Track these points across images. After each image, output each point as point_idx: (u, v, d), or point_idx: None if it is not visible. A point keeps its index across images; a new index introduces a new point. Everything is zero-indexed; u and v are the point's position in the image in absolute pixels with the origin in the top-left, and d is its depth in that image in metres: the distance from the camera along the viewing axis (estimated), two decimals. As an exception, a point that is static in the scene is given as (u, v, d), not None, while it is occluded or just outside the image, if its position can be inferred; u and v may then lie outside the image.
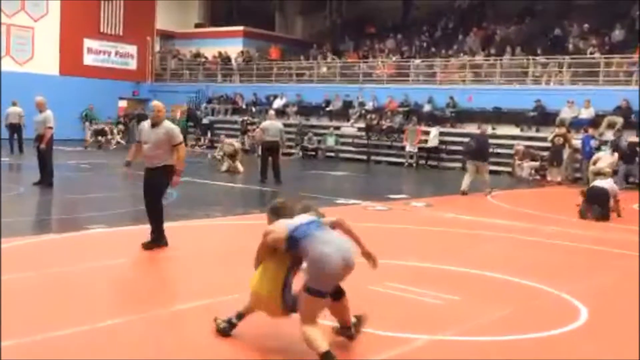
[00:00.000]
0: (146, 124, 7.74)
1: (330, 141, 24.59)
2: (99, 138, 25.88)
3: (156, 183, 7.77)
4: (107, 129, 26.48)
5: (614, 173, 15.85)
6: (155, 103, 7.73)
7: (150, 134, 7.52)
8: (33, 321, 4.85)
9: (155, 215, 7.76)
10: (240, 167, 17.58)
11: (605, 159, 16.74)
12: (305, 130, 24.98)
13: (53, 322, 4.79)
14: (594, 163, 16.65)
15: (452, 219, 11.05)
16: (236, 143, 18.78)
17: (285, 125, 18.97)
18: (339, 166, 21.76)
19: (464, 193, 14.48)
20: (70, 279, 6.35)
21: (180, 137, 7.66)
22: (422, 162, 22.75)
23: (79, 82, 27.69)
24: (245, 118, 26.70)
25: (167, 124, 7.60)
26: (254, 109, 27.19)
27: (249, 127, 25.65)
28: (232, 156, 17.81)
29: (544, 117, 21.21)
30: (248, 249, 7.75)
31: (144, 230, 7.93)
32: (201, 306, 5.38)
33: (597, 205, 11.38)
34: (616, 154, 17.27)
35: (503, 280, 6.78)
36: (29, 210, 10.59)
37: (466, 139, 22.11)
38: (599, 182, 12.09)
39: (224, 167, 17.63)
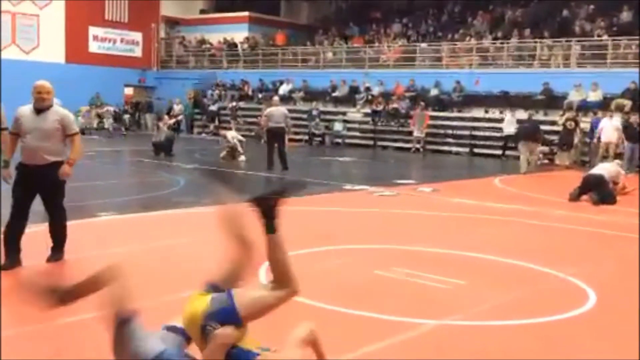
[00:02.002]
0: (27, 109, 6.09)
1: (338, 127, 24.54)
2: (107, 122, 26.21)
3: (49, 186, 6.08)
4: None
5: (618, 156, 15.88)
6: (39, 83, 6.07)
7: (35, 122, 5.99)
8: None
9: (61, 227, 6.33)
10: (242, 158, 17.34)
11: (609, 127, 16.92)
12: (316, 116, 24.78)
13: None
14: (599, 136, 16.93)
15: (459, 203, 11.04)
16: (231, 135, 18.03)
17: (291, 111, 18.93)
18: (346, 152, 21.74)
19: (525, 173, 16.04)
20: (77, 267, 6.39)
21: (76, 126, 6.25)
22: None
23: (84, 70, 27.68)
24: (234, 104, 26.77)
25: (57, 109, 6.11)
26: (260, 95, 27.15)
27: (238, 113, 26.32)
28: (234, 150, 17.65)
29: (552, 101, 21.09)
30: (252, 236, 7.70)
31: (153, 217, 7.95)
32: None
33: (595, 192, 11.37)
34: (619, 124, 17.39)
35: (510, 264, 6.78)
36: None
37: (473, 124, 22.30)
38: (596, 169, 12.10)
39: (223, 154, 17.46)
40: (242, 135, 18.55)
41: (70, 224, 8.16)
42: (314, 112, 24.67)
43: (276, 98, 17.10)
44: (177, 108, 27.55)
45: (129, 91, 31.00)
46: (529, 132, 16.99)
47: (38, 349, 4.14)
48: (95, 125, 26.53)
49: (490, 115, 22.36)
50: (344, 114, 25.04)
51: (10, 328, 4.37)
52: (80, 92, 26.32)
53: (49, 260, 6.26)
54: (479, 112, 22.75)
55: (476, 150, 21.89)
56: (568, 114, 18.67)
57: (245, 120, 26.21)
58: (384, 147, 23.52)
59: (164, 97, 29.46)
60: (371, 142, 23.99)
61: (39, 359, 4.01)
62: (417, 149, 22.52)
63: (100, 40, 29.75)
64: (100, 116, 26.85)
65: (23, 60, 26.12)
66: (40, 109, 6.02)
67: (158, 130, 18.61)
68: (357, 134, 24.54)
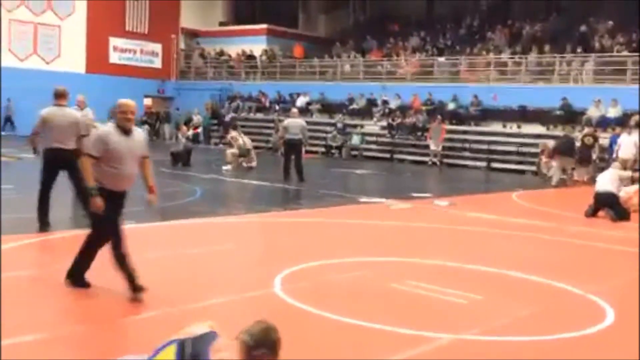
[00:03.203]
0: (110, 130, 5.57)
1: (355, 139, 24.55)
2: None
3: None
4: None
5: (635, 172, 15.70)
6: (125, 101, 5.71)
7: (127, 145, 5.50)
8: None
9: None
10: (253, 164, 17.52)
11: (628, 143, 16.72)
12: (341, 128, 24.76)
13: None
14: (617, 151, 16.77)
15: (476, 218, 10.98)
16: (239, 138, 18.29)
17: (309, 123, 18.98)
18: (363, 164, 21.73)
19: (556, 186, 16.66)
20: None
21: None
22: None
23: (104, 80, 27.97)
24: (235, 114, 26.90)
25: (135, 129, 5.77)
26: (277, 107, 27.26)
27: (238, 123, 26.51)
28: (242, 155, 17.79)
29: (571, 116, 20.96)
30: (267, 247, 7.76)
31: (170, 227, 7.99)
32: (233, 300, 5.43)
33: (609, 208, 11.29)
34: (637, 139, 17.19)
35: (527, 279, 6.73)
36: (57, 206, 10.73)
37: (490, 137, 22.22)
38: (602, 185, 11.81)
39: (230, 167, 17.50)
40: (257, 147, 18.72)
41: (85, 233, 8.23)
42: (339, 125, 24.69)
43: (294, 110, 17.16)
44: (196, 119, 27.71)
45: (148, 102, 31.26)
46: (565, 148, 17.35)
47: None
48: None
49: (508, 129, 22.28)
50: (361, 126, 25.05)
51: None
52: (100, 102, 26.44)
53: None
54: (497, 127, 22.68)
55: (494, 164, 21.80)
56: (587, 130, 18.55)
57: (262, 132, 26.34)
58: (401, 160, 23.48)
59: (182, 108, 29.69)
60: (388, 155, 23.97)
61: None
62: (434, 163, 22.46)
63: (120, 51, 30.08)
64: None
65: (44, 70, 26.47)
66: (127, 130, 5.54)
67: (177, 141, 18.74)
68: (374, 146, 24.53)
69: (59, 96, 8.19)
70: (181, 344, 3.23)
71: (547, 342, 4.84)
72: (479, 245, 8.77)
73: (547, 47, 24.04)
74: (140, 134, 5.77)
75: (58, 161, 8.05)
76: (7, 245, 7.04)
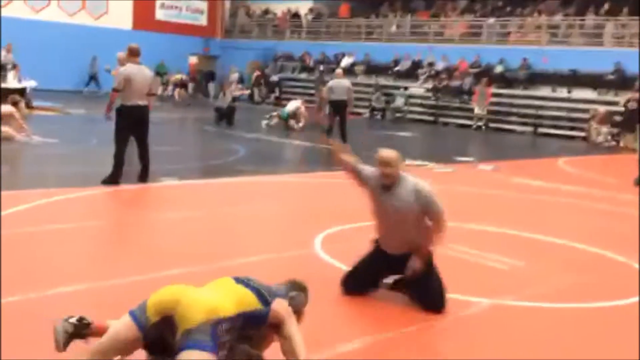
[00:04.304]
0: (375, 179, 4.68)
1: (399, 101, 24.29)
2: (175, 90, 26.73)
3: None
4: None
5: None
6: (385, 154, 4.60)
7: (389, 199, 4.61)
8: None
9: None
10: (296, 127, 17.57)
11: None
12: (379, 89, 24.62)
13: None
14: None
15: (520, 183, 10.82)
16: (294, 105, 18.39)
17: (353, 84, 18.81)
18: (406, 127, 21.53)
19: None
20: (128, 230, 6.59)
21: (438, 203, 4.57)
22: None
23: (150, 37, 28.12)
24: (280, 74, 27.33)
25: (412, 180, 4.60)
26: (321, 67, 27.09)
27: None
28: (294, 117, 17.81)
29: (624, 81, 20.32)
30: (308, 207, 7.80)
31: (213, 185, 8.08)
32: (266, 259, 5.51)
33: None
34: None
35: (570, 247, 6.63)
36: (102, 162, 10.96)
37: (538, 102, 21.72)
38: None
39: (272, 122, 17.78)
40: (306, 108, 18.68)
41: (134, 188, 8.41)
42: (378, 85, 24.50)
43: (339, 71, 16.99)
44: (234, 77, 27.62)
45: (193, 60, 31.38)
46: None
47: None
48: (160, 92, 26.99)
49: (557, 94, 21.74)
50: (405, 88, 24.75)
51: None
52: (146, 60, 26.58)
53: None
54: (546, 91, 22.14)
55: (541, 129, 21.35)
56: (631, 94, 17.95)
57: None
58: (445, 124, 23.19)
59: (226, 67, 29.74)
60: (432, 118, 23.68)
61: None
62: (479, 127, 22.12)
63: (167, 7, 30.14)
64: (165, 84, 27.32)
65: (92, 26, 26.76)
66: (389, 186, 4.61)
67: (224, 96, 18.79)
68: (418, 109, 24.25)
69: (134, 54, 8.36)
70: (236, 278, 3.27)
71: (587, 310, 4.79)
72: (522, 211, 8.65)
73: (602, 10, 23.20)
74: (411, 185, 4.61)
75: (135, 117, 8.27)
76: (55, 197, 7.24)
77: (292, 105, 18.21)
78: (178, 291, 3.06)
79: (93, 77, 26.05)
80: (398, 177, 4.58)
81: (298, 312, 3.39)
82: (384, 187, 4.60)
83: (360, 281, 4.74)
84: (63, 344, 3.11)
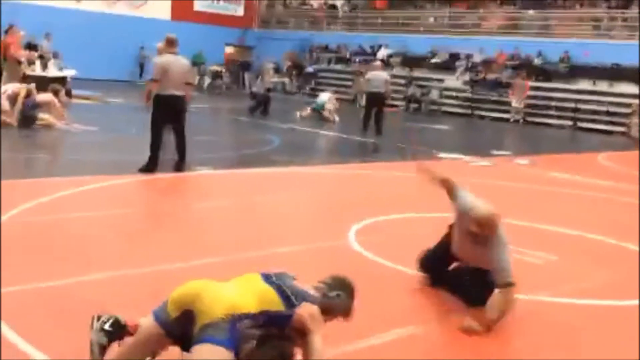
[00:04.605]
0: None
1: (434, 94, 24.09)
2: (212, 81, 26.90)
3: None
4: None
5: None
6: (481, 216, 4.21)
7: (473, 248, 4.36)
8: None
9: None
10: (331, 118, 17.51)
11: None
12: (410, 81, 24.50)
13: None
14: None
15: (557, 178, 10.65)
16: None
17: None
18: (442, 120, 21.35)
19: None
20: (162, 218, 6.66)
21: None
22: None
23: (188, 28, 28.32)
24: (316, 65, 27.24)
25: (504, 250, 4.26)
26: (357, 59, 26.99)
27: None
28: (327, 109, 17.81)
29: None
30: (343, 198, 7.77)
31: (248, 174, 8.12)
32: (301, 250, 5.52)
33: None
34: None
35: (607, 243, 6.51)
36: (140, 150, 11.12)
37: (578, 96, 21.32)
38: None
39: (304, 113, 17.79)
40: (337, 99, 18.62)
41: (170, 176, 8.51)
42: (409, 77, 24.35)
43: (378, 63, 16.94)
44: (269, 65, 27.62)
45: (229, 50, 31.54)
46: None
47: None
48: (197, 82, 27.21)
49: (598, 88, 21.30)
50: (441, 80, 24.53)
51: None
52: (184, 50, 26.90)
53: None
54: (586, 84, 21.71)
55: (580, 124, 20.97)
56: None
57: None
58: (482, 117, 22.92)
59: (262, 57, 29.80)
60: (468, 111, 23.44)
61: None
62: (516, 120, 21.82)
63: (205, -2, 30.34)
64: (201, 74, 27.47)
65: (132, 16, 27.06)
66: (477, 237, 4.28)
67: (261, 81, 18.84)
68: (455, 102, 24.01)
69: (172, 44, 8.45)
70: (264, 275, 3.19)
71: (623, 308, 4.70)
72: (559, 206, 8.52)
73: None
74: None
75: (171, 107, 8.36)
76: (92, 185, 7.36)
77: (324, 97, 18.21)
78: (199, 286, 3.03)
79: (142, 67, 26.43)
80: (491, 238, 4.24)
81: (340, 313, 3.24)
82: (473, 234, 4.29)
83: (434, 262, 4.77)
84: (99, 354, 3.09)
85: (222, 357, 2.81)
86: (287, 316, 3.04)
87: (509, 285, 4.14)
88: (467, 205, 4.41)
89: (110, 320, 3.16)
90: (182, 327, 2.94)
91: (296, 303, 3.07)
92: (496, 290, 4.16)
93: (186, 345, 2.97)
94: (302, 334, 3.06)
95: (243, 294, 3.03)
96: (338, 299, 3.22)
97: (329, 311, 3.18)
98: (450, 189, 4.71)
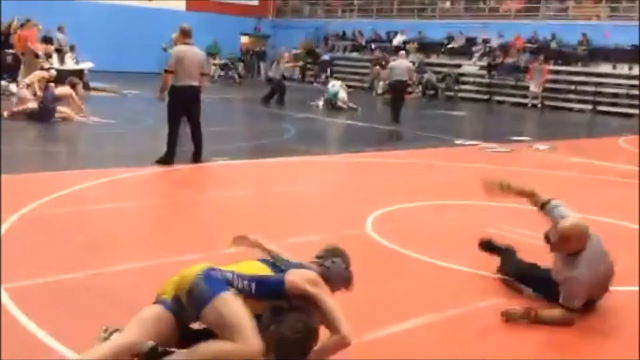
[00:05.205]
0: None
1: (450, 80, 23.88)
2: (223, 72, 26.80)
3: None
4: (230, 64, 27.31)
5: None
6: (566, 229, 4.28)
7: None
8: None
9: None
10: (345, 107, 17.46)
11: None
12: (425, 68, 24.33)
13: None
14: None
15: (578, 163, 10.53)
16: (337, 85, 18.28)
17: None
18: (460, 106, 21.19)
19: None
20: (180, 209, 6.68)
21: None
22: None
23: (204, 18, 28.30)
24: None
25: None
26: (373, 46, 26.82)
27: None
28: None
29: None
30: (360, 187, 7.74)
31: (265, 164, 8.11)
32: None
33: None
34: None
35: (628, 228, 6.43)
36: (157, 142, 11.16)
37: (597, 79, 21.03)
38: None
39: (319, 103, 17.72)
40: (352, 87, 18.55)
41: (187, 167, 8.53)
42: (417, 63, 24.19)
43: (402, 52, 16.80)
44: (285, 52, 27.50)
45: (244, 39, 31.49)
46: None
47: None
48: (212, 73, 27.21)
49: (618, 70, 21.00)
50: (459, 66, 24.32)
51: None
52: (199, 40, 26.81)
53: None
54: (606, 67, 21.42)
55: (600, 107, 20.71)
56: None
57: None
58: (500, 102, 22.72)
59: (277, 46, 29.74)
60: (486, 97, 23.24)
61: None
62: (534, 105, 21.60)
63: (220, -13, 30.26)
64: (217, 64, 27.46)
65: (146, 7, 27.09)
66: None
67: (277, 66, 18.77)
68: (472, 87, 23.81)
69: (186, 34, 8.43)
70: (262, 260, 3.27)
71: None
72: (579, 192, 8.41)
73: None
74: None
75: (187, 97, 8.35)
76: (110, 177, 7.40)
77: (335, 86, 18.07)
78: (180, 272, 3.11)
79: None
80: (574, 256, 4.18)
81: (341, 282, 3.29)
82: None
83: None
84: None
85: (228, 299, 2.89)
86: (277, 282, 3.07)
87: (572, 311, 4.04)
88: (556, 218, 4.35)
89: (149, 346, 2.96)
90: (180, 306, 2.99)
91: (284, 269, 3.14)
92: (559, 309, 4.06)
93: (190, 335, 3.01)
94: (309, 302, 3.04)
95: (227, 265, 3.11)
96: (334, 265, 3.29)
97: (328, 279, 3.21)
98: (536, 202, 4.60)
